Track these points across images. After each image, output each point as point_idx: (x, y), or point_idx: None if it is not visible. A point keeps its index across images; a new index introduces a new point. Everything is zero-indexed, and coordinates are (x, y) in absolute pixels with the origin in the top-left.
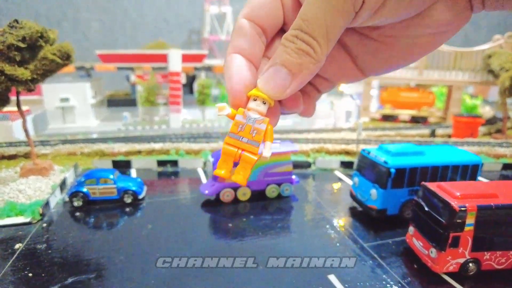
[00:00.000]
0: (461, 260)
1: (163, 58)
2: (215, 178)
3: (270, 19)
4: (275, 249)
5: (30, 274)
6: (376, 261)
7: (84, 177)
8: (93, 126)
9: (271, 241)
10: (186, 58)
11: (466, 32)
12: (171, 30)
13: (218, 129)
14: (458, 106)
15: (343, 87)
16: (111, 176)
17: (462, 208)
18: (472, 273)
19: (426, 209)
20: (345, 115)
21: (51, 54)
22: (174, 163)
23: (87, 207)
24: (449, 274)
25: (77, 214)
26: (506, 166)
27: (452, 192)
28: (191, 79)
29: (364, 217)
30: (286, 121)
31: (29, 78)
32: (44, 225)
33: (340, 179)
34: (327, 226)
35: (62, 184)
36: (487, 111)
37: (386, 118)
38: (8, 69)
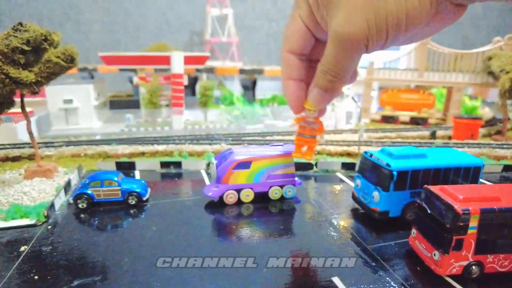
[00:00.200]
0: (464, 263)
1: (166, 60)
2: (219, 180)
3: (303, 48)
4: (276, 250)
5: (36, 277)
6: (379, 263)
7: (88, 179)
8: (96, 127)
9: (272, 242)
10: (189, 60)
11: (466, 33)
12: (173, 32)
13: (220, 130)
14: (458, 107)
15: (344, 88)
16: (116, 178)
17: (465, 211)
18: (475, 275)
19: (429, 212)
20: (345, 116)
21: (55, 57)
22: (177, 164)
23: (91, 209)
24: (452, 276)
25: (82, 216)
26: (506, 168)
27: (455, 195)
28: (193, 81)
29: (366, 219)
30: (287, 123)
31: (34, 80)
32: (49, 227)
33: (342, 181)
34: (330, 228)
35: (67, 186)
36: (486, 112)
37: (386, 119)
38: (13, 72)
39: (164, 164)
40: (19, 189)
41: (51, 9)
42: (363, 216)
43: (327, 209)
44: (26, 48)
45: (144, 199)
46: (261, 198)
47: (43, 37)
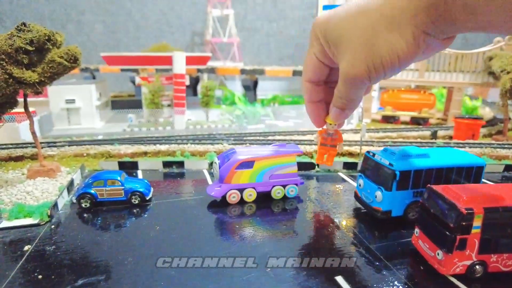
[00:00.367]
0: (468, 262)
1: (168, 60)
2: (221, 179)
3: (318, 78)
4: (278, 249)
5: (40, 276)
6: (383, 262)
7: (91, 178)
8: (98, 127)
9: (275, 241)
10: (190, 60)
11: (466, 34)
12: (174, 32)
13: (221, 130)
14: (458, 107)
15: None
16: (119, 178)
17: (469, 211)
18: (478, 275)
19: (432, 211)
20: None
21: (59, 57)
22: (180, 164)
23: (94, 209)
24: (456, 276)
25: (85, 215)
26: (508, 168)
27: (459, 195)
28: (194, 81)
29: (369, 219)
30: (288, 123)
31: (37, 80)
32: (53, 226)
33: (344, 180)
34: (332, 227)
35: (70, 186)
36: (487, 112)
37: (387, 119)
38: (16, 72)
39: (166, 164)
40: (22, 188)
41: (52, 10)
42: (366, 215)
43: (330, 209)
44: (29, 48)
45: (147, 198)
46: (264, 198)
47: (46, 37)
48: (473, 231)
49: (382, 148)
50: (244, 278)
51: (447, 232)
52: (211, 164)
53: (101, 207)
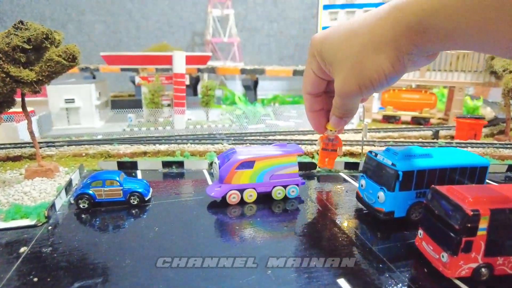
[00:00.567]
0: (474, 265)
1: (168, 60)
2: (221, 180)
3: (316, 90)
4: (279, 250)
5: (35, 279)
6: (385, 264)
7: (90, 179)
8: (97, 127)
9: (276, 242)
10: (191, 60)
11: None
12: (174, 32)
13: (222, 130)
14: (460, 107)
15: None
16: (117, 178)
17: (475, 212)
18: (484, 278)
19: (437, 212)
20: None
21: (57, 55)
22: (179, 164)
23: (92, 209)
24: (461, 279)
25: (83, 216)
26: (511, 168)
27: (464, 196)
28: (194, 81)
29: (371, 219)
30: (289, 123)
31: (35, 79)
32: (50, 227)
33: (345, 180)
34: (334, 228)
35: (68, 186)
36: (488, 112)
37: (388, 119)
38: (14, 70)
39: (166, 164)
40: (20, 189)
41: (53, 10)
42: (368, 216)
43: (331, 209)
44: (27, 46)
45: (146, 199)
46: (264, 198)
47: (44, 36)
48: (479, 233)
49: (384, 148)
50: (244, 281)
51: (452, 234)
52: (211, 164)
53: (99, 207)
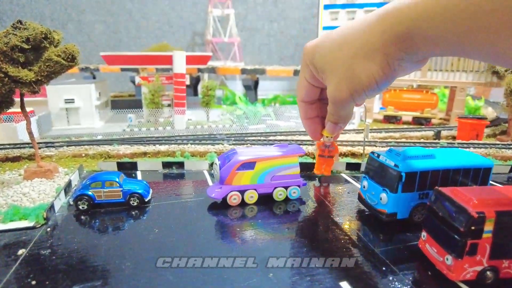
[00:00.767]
0: (479, 268)
1: (168, 59)
2: (222, 181)
3: (310, 98)
4: (281, 252)
5: (34, 282)
6: (388, 267)
7: (89, 180)
8: (97, 127)
9: (277, 244)
10: (191, 60)
11: None
12: (175, 32)
13: (222, 130)
14: (461, 107)
15: None
16: (117, 179)
17: (481, 215)
18: (489, 281)
19: (441, 214)
20: None
21: (56, 55)
22: (180, 165)
23: (92, 211)
24: (466, 282)
25: (82, 218)
26: None
27: (469, 198)
28: (195, 81)
29: (373, 221)
30: (290, 123)
31: (33, 79)
32: (48, 229)
33: (347, 181)
34: (336, 230)
35: (67, 187)
36: (490, 112)
37: (389, 119)
38: (12, 70)
39: (166, 165)
40: (19, 190)
41: (53, 10)
42: (370, 218)
43: (333, 211)
44: (25, 46)
45: (146, 200)
46: (265, 200)
47: (43, 35)
48: (484, 235)
49: (386, 149)
50: (246, 284)
51: (457, 237)
52: (211, 165)
53: (99, 209)
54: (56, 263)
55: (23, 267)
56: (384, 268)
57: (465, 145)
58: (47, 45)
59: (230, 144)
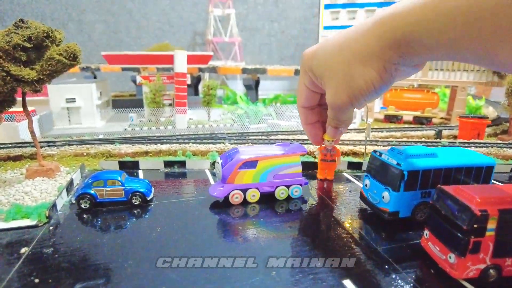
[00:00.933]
0: (482, 266)
1: (169, 59)
2: (224, 180)
3: (310, 104)
4: (283, 251)
5: (37, 280)
6: (391, 265)
7: (91, 178)
8: (98, 127)
9: (279, 243)
10: (192, 59)
11: None
12: (175, 32)
13: (223, 129)
14: (462, 107)
15: None
16: (119, 178)
17: (484, 213)
18: (492, 279)
19: (443, 213)
20: None
21: (58, 54)
22: (181, 164)
23: (94, 210)
24: (469, 280)
25: (84, 216)
26: None
27: (472, 196)
28: (196, 80)
29: (375, 220)
30: (291, 122)
31: (35, 78)
32: (51, 228)
33: (348, 180)
34: (338, 228)
35: (69, 186)
36: (490, 112)
37: (390, 119)
38: (14, 69)
39: (168, 164)
40: (21, 189)
41: (53, 9)
42: (372, 216)
43: (335, 209)
44: (27, 45)
45: (148, 199)
46: (267, 198)
47: (45, 34)
48: (487, 233)
49: (387, 148)
50: (249, 282)
51: (460, 235)
52: (213, 163)
53: (101, 208)
54: (59, 262)
55: (25, 266)
56: (386, 267)
57: (466, 145)
58: (49, 44)
59: (231, 143)
